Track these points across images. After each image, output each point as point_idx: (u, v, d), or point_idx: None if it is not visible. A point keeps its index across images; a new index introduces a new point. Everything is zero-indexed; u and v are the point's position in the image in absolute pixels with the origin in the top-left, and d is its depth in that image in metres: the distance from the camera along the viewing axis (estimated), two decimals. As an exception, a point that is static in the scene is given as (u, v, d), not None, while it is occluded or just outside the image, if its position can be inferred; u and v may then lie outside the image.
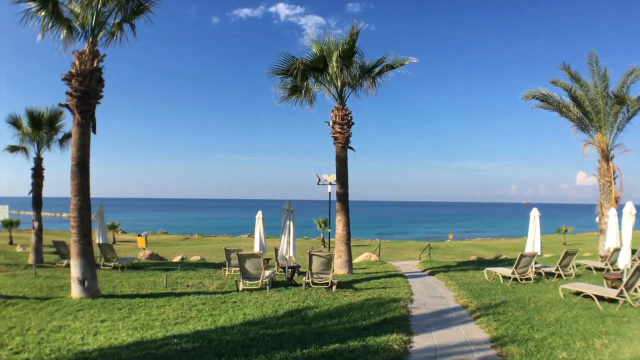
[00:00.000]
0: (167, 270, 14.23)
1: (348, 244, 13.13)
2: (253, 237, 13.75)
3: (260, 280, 9.92)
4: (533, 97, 17.30)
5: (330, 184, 16.96)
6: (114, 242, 45.59)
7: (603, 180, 16.41)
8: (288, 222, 10.33)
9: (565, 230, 43.33)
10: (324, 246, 30.92)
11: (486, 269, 12.37)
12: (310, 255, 9.60)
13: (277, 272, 11.94)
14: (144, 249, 22.39)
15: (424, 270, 15.06)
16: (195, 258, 21.69)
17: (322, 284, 9.92)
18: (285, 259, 10.52)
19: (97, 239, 17.09)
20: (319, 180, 17.52)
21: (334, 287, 9.68)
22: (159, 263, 18.78)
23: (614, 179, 16.31)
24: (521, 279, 11.04)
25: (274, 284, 10.74)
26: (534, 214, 12.12)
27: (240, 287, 10.06)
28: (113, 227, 52.34)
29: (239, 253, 9.89)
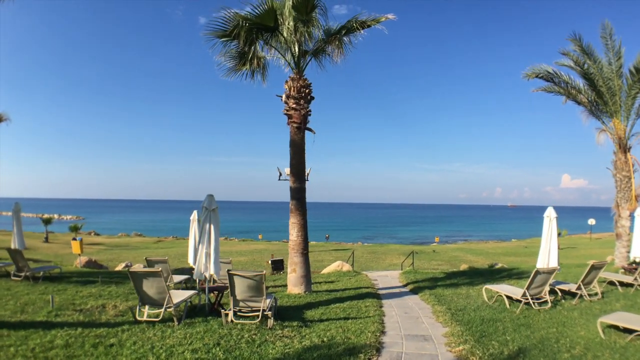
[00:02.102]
0: (85, 284, 11.25)
1: (305, 254, 9.97)
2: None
3: (163, 309, 6.76)
4: (536, 76, 14.44)
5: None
6: (75, 245, 41.88)
7: (620, 175, 13.68)
8: (207, 226, 7.15)
9: (559, 234, 40.82)
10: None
11: (485, 287, 9.41)
12: (230, 275, 6.37)
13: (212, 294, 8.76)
14: (79, 255, 19.04)
15: (405, 285, 12.11)
16: (138, 266, 18.31)
17: (252, 316, 6.77)
18: (205, 277, 7.33)
19: (12, 243, 13.92)
20: (280, 174, 14.29)
21: (269, 321, 6.53)
22: (89, 273, 15.47)
23: (633, 174, 13.62)
24: (534, 302, 8.10)
25: (195, 311, 7.65)
26: (550, 215, 8.90)
27: (144, 317, 6.96)
28: (76, 229, 48.66)
29: (131, 270, 6.69)
